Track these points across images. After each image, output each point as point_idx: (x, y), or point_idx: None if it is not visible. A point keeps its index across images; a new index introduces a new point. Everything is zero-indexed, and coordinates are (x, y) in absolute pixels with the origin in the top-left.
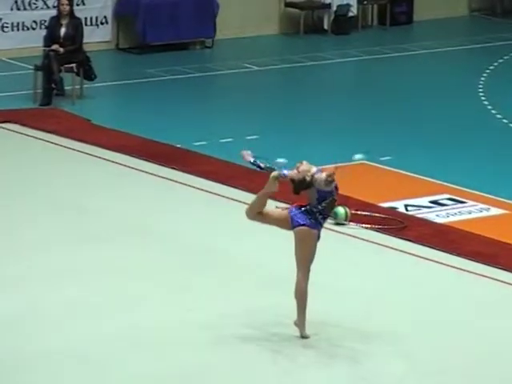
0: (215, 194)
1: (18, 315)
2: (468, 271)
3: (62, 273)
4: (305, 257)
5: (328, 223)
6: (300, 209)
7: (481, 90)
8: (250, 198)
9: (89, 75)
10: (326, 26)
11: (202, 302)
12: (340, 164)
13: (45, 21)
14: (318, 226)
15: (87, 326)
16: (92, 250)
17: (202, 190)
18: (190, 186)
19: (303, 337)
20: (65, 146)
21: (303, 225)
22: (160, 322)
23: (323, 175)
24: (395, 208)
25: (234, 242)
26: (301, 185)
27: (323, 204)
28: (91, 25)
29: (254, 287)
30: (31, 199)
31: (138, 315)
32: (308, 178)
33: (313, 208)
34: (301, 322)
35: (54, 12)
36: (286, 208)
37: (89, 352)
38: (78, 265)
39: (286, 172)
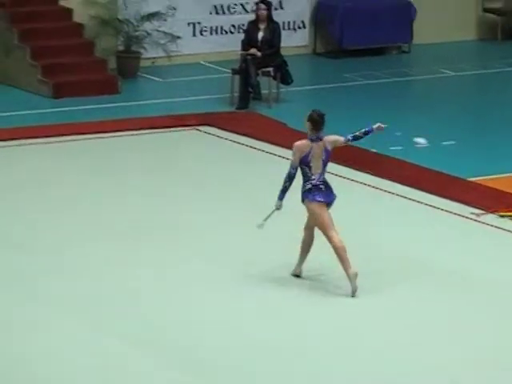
0: (411, 199)
1: None
2: None
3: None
4: (321, 224)
5: None
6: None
7: None
8: (443, 203)
9: (285, 79)
10: None
11: None
12: None
13: (243, 25)
14: (313, 197)
15: None
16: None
17: (396, 194)
18: (387, 191)
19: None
20: (260, 149)
21: (303, 200)
22: None
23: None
24: None
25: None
26: None
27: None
28: (289, 29)
29: None
30: (231, 200)
31: None
32: None
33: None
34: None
35: (251, 16)
36: None
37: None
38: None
39: None
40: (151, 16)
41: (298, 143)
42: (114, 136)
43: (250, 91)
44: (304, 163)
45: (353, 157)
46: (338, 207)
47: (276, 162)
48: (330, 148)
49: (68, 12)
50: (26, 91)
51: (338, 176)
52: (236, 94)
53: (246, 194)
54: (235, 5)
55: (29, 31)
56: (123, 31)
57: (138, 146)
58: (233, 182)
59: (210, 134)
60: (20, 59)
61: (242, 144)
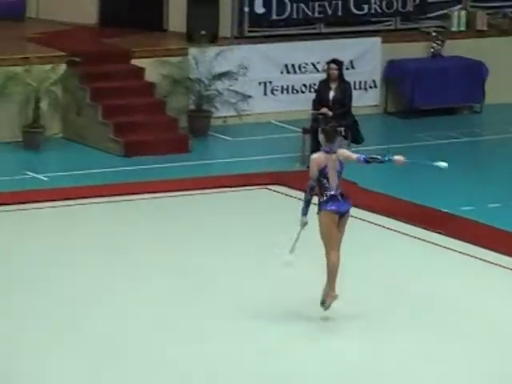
0: (483, 260)
1: None
2: None
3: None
4: (325, 235)
5: None
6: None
7: None
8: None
9: (356, 139)
10: None
11: None
12: None
13: (314, 84)
14: (325, 206)
15: None
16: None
17: (469, 255)
18: (456, 251)
19: (324, 304)
20: None
21: (318, 211)
22: None
23: None
24: None
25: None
26: None
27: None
28: (360, 88)
29: None
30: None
31: None
32: None
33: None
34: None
35: (323, 76)
36: None
37: None
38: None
39: None
40: (222, 75)
41: (314, 156)
42: (185, 195)
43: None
44: (322, 175)
45: (423, 216)
46: (409, 266)
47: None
48: (343, 161)
49: (140, 71)
50: (97, 150)
51: (412, 237)
52: (307, 153)
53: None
54: (306, 64)
55: (101, 90)
56: (194, 90)
57: (208, 205)
58: (303, 243)
59: (280, 193)
60: (92, 118)
61: (313, 204)
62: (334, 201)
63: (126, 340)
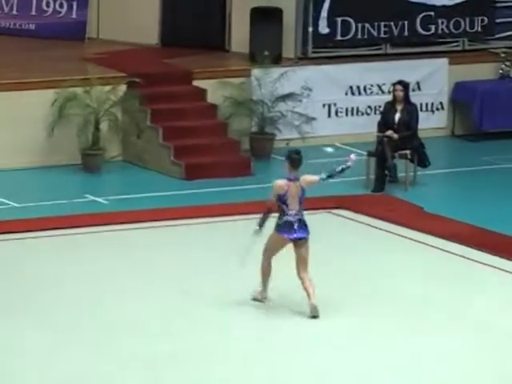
0: None
1: None
2: None
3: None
4: (267, 249)
5: None
6: None
7: None
8: None
9: (423, 162)
10: None
11: None
12: None
13: (379, 106)
14: (279, 229)
15: None
16: (427, 343)
17: None
18: None
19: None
20: (396, 233)
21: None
22: None
23: None
24: None
25: None
26: None
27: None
28: (426, 111)
29: None
30: (360, 287)
31: None
32: None
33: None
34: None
35: (388, 97)
36: None
37: None
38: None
39: None
40: (286, 97)
41: (277, 182)
42: (246, 219)
43: (385, 174)
44: (281, 201)
45: (490, 241)
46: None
47: (414, 247)
48: (305, 187)
49: (201, 92)
50: (157, 172)
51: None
52: (372, 177)
53: (388, 284)
54: (371, 86)
55: (161, 112)
56: (257, 112)
57: (271, 230)
58: (368, 271)
59: (344, 217)
60: (152, 140)
61: (377, 228)
62: (289, 228)
63: None
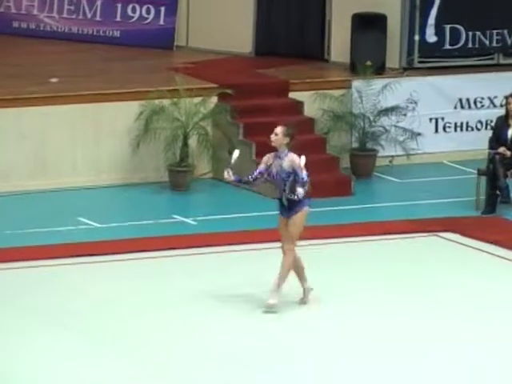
0: None
1: None
2: None
3: None
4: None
5: None
6: None
7: None
8: None
9: None
10: None
11: None
12: None
13: (491, 121)
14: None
15: None
16: None
17: None
18: None
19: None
20: (508, 259)
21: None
22: None
23: None
24: None
25: None
26: None
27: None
28: None
29: None
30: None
31: None
32: None
33: None
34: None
35: (501, 111)
36: None
37: None
38: None
39: None
40: (389, 110)
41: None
42: (345, 242)
43: (497, 194)
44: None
45: None
46: None
47: None
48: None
49: (298, 105)
50: (250, 191)
51: None
52: (482, 198)
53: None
54: (482, 98)
55: (254, 125)
56: (358, 127)
57: (372, 253)
58: (483, 301)
59: (452, 240)
60: (244, 156)
61: (489, 253)
62: (280, 206)
63: None
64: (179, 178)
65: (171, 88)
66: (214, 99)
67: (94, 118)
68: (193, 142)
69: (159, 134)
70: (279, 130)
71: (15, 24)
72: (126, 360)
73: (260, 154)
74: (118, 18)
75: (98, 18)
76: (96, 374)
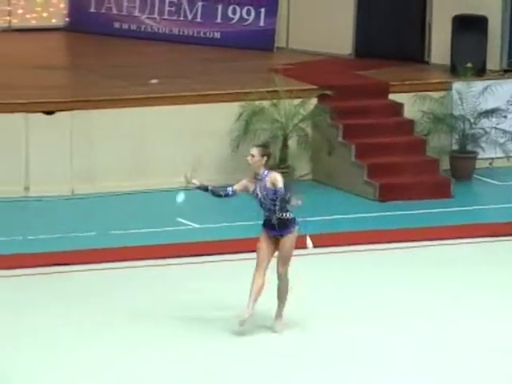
0: None
1: None
2: None
3: None
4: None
5: None
6: None
7: None
8: None
9: None
10: None
11: None
12: None
13: None
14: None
15: None
16: None
17: None
18: None
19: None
20: None
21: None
22: None
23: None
24: None
25: None
26: None
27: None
28: None
29: None
30: None
31: None
32: None
33: None
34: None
35: None
36: None
37: None
38: None
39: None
40: (490, 112)
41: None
42: (443, 244)
43: None
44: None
45: None
46: None
47: None
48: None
49: (398, 107)
50: (348, 193)
51: None
52: None
53: None
54: None
55: (354, 127)
56: (458, 129)
57: (472, 256)
58: None
59: None
60: (344, 158)
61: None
62: (267, 225)
63: None
64: None
65: (271, 89)
66: (314, 101)
67: (193, 118)
68: (292, 143)
69: (259, 135)
70: (255, 151)
71: (116, 25)
72: None
73: (359, 156)
74: (219, 20)
75: (198, 20)
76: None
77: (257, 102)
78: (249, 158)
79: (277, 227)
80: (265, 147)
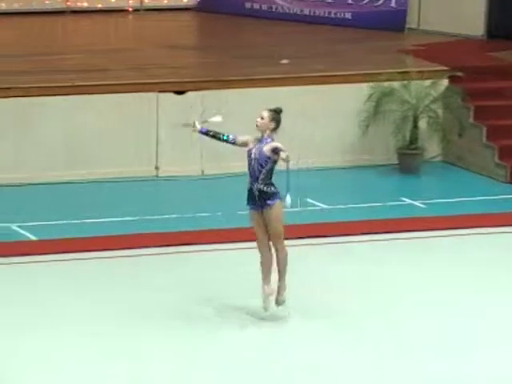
0: None
1: None
2: None
3: None
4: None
5: None
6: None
7: None
8: None
9: None
10: None
11: None
12: None
13: None
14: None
15: None
16: None
17: None
18: None
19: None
20: None
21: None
22: None
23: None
24: None
25: None
26: None
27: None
28: None
29: None
30: None
31: None
32: None
33: None
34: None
35: None
36: None
37: None
38: None
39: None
40: None
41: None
42: None
43: None
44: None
45: None
46: None
47: None
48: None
49: None
50: (479, 175)
51: None
52: None
53: None
54: None
55: (485, 109)
56: None
57: None
58: None
59: None
60: (475, 139)
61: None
62: (249, 198)
63: None
64: (409, 160)
65: (401, 70)
66: (445, 82)
67: (322, 99)
68: (423, 124)
69: (388, 117)
70: (266, 113)
71: (248, 5)
72: None
73: (491, 138)
74: (350, 1)
75: (329, 0)
76: None
77: (386, 83)
78: (258, 119)
79: (257, 199)
80: (276, 112)
